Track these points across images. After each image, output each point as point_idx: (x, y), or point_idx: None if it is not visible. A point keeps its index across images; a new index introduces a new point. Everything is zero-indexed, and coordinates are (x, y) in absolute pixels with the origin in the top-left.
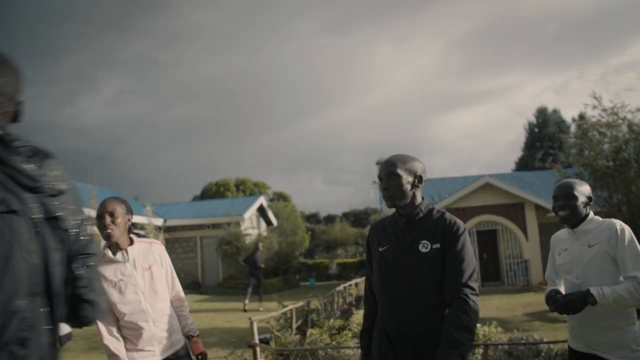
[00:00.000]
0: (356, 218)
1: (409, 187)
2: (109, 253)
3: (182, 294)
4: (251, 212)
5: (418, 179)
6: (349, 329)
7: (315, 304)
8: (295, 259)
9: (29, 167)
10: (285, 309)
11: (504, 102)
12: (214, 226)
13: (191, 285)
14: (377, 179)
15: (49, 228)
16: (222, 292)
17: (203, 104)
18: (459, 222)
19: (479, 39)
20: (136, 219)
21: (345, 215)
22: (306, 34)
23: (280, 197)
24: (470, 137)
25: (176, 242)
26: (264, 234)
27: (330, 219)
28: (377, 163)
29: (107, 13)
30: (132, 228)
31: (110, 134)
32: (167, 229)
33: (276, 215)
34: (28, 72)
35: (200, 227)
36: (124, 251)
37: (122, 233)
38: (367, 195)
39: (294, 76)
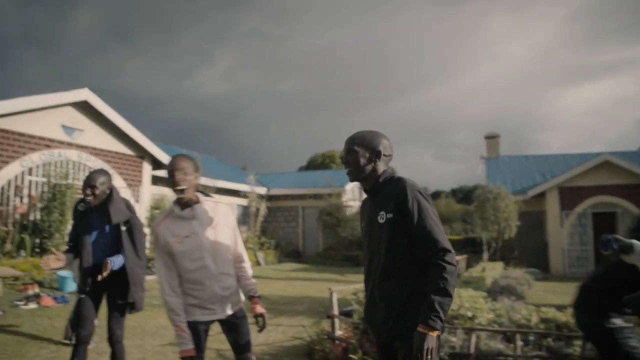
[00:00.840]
0: (464, 195)
1: (365, 162)
2: (177, 209)
3: (244, 255)
4: (353, 184)
5: (376, 154)
6: None
7: None
8: None
9: None
10: None
11: (634, 75)
12: (316, 197)
13: (291, 253)
14: (485, 154)
15: None
16: (321, 262)
17: (313, 77)
18: (410, 186)
19: (608, 5)
20: (240, 187)
21: (454, 192)
22: (418, 5)
23: None
24: (593, 113)
25: (278, 211)
26: None
27: (438, 194)
28: (486, 137)
29: None
30: (199, 187)
31: (223, 106)
32: (270, 198)
33: None
34: (152, 48)
35: (302, 197)
36: (190, 208)
37: (192, 190)
38: (476, 171)
39: (404, 49)
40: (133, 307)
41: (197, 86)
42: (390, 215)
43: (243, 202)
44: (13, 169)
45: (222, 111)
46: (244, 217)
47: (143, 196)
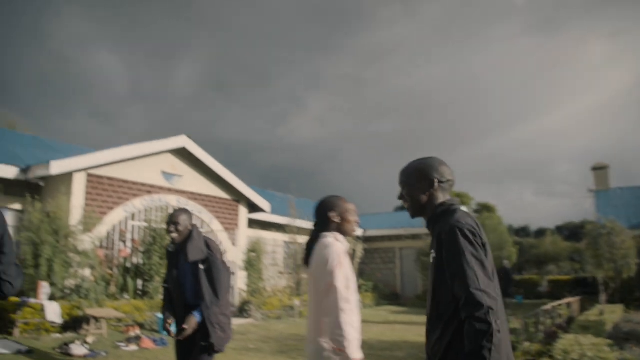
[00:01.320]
0: (571, 232)
1: (420, 193)
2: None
3: None
4: None
5: (429, 184)
6: (550, 356)
7: (514, 323)
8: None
9: None
10: None
11: None
12: (414, 237)
13: (390, 296)
14: (592, 188)
15: None
16: (420, 305)
17: (406, 116)
18: (455, 219)
19: None
20: None
21: (559, 229)
22: (509, 37)
23: (484, 209)
24: None
25: (375, 252)
26: None
27: (541, 232)
28: (594, 169)
29: (314, 36)
30: None
31: (317, 150)
32: (367, 239)
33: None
34: (247, 97)
35: (399, 237)
36: None
37: None
38: (583, 206)
39: (499, 82)
40: (212, 348)
41: (291, 132)
42: (434, 255)
43: None
44: (117, 215)
45: (316, 155)
46: None
47: (239, 239)
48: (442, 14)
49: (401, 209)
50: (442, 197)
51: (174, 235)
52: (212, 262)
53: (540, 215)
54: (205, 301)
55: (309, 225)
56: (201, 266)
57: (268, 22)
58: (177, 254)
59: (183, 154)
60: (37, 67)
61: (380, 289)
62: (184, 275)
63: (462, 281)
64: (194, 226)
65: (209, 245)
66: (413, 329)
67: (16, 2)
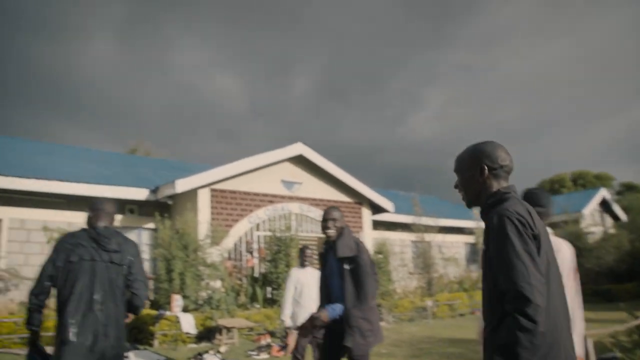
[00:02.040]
0: None
1: (472, 181)
2: None
3: None
4: (592, 208)
5: (480, 171)
6: None
7: None
8: None
9: (103, 240)
10: (637, 322)
11: None
12: (551, 225)
13: None
14: None
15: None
16: None
17: (529, 100)
18: (502, 209)
19: None
20: (465, 224)
21: None
22: None
23: (629, 189)
24: None
25: None
26: (610, 231)
27: None
28: None
29: (423, 31)
30: None
31: (439, 145)
32: None
33: (625, 209)
34: (364, 101)
35: None
36: None
37: None
38: None
39: (630, 48)
40: (350, 353)
41: (411, 130)
42: (484, 247)
43: (469, 239)
44: (243, 226)
45: (439, 150)
46: (473, 255)
47: (365, 241)
48: None
49: None
50: (496, 185)
51: (331, 231)
52: (359, 263)
53: None
54: (346, 303)
55: (435, 222)
56: (346, 266)
57: (376, 25)
58: (326, 254)
59: (301, 161)
60: (167, 99)
61: None
62: (331, 275)
63: (510, 274)
64: (345, 225)
65: (358, 245)
66: None
67: (145, 46)
